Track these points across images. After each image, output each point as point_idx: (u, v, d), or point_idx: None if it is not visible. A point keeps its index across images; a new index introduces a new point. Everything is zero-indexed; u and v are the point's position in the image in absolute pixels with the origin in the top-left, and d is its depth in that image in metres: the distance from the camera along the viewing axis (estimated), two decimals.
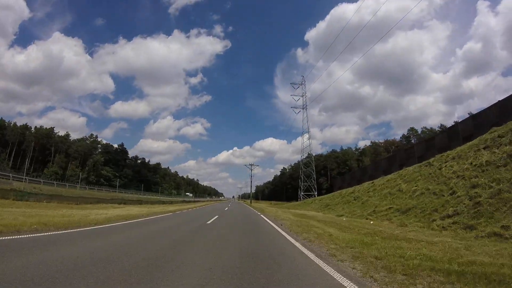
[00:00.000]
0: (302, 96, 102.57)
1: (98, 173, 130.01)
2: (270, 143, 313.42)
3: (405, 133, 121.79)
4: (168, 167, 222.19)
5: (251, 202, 78.08)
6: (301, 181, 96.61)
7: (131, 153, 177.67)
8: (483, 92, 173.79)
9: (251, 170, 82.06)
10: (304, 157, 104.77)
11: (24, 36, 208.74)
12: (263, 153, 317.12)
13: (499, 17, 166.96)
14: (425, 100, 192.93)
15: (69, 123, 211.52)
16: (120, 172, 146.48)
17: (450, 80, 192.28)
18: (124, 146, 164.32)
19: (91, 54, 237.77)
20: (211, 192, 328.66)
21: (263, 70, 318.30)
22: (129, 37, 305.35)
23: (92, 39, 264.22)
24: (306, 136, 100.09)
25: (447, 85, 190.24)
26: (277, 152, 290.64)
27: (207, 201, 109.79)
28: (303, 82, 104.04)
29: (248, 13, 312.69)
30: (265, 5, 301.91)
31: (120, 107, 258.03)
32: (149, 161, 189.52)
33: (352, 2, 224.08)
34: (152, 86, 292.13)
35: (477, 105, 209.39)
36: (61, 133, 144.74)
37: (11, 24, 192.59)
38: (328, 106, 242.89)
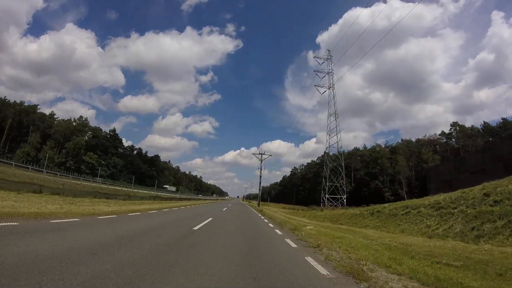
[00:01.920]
0: (328, 73, 78.51)
1: (79, 159, 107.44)
2: (277, 145, 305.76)
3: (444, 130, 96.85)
4: (169, 161, 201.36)
5: (259, 205, 54.66)
6: (326, 181, 72.45)
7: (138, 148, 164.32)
8: (493, 104, 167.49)
9: (261, 160, 58.72)
10: (327, 152, 79.71)
11: (37, 26, 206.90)
12: (269, 157, 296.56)
13: None
14: (434, 109, 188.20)
15: (78, 115, 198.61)
16: (108, 160, 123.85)
17: (461, 90, 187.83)
18: (116, 132, 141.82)
19: (103, 47, 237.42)
20: (215, 191, 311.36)
21: (273, 72, 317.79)
22: (141, 32, 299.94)
23: (105, 32, 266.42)
24: (331, 126, 74.71)
25: (458, 95, 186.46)
26: (284, 155, 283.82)
27: (203, 199, 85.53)
28: (329, 57, 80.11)
29: (261, 13, 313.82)
30: (278, 7, 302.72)
31: (129, 102, 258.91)
32: (146, 152, 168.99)
33: (366, 6, 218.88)
34: (162, 82, 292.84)
35: (487, 117, 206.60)
36: (47, 111, 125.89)
37: (24, 13, 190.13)
38: (337, 110, 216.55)
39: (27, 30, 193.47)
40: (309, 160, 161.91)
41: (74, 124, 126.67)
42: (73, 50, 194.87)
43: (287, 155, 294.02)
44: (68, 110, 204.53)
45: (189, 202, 51.27)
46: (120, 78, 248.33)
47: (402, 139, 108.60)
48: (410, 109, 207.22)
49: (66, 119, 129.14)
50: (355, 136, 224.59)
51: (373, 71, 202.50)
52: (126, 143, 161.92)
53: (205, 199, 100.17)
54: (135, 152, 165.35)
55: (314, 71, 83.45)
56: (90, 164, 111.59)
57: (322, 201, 75.53)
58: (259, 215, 26.54)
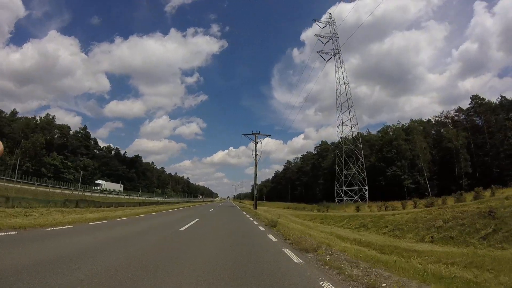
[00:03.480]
0: (332, 38, 62.22)
1: (39, 160, 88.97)
2: (265, 143, 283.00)
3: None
4: (152, 162, 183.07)
5: (255, 206, 36.74)
6: (341, 170, 56.12)
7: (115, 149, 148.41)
8: (478, 93, 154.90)
9: (256, 143, 41.49)
10: (340, 132, 63.47)
11: (20, 35, 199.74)
12: (258, 153, 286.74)
13: (496, 18, 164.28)
14: (420, 100, 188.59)
15: (64, 122, 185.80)
16: (77, 162, 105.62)
17: (446, 81, 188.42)
18: (88, 130, 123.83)
19: (87, 53, 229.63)
20: (204, 192, 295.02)
21: (259, 71, 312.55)
22: (125, 36, 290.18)
23: (88, 38, 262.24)
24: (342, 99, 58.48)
25: (443, 85, 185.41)
26: (273, 152, 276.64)
27: (183, 202, 68.11)
28: (331, 20, 64.06)
29: (245, 12, 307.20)
30: (261, 5, 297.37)
31: (115, 107, 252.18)
32: (125, 152, 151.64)
33: (349, 1, 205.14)
34: (148, 85, 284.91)
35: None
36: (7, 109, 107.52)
37: (6, 22, 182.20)
38: (324, 106, 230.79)
39: (9, 39, 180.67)
40: (304, 152, 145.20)
41: (37, 121, 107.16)
42: (57, 58, 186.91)
43: (276, 152, 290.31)
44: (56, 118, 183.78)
45: (155, 207, 34.83)
46: (105, 84, 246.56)
47: (411, 120, 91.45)
48: (397, 101, 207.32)
49: (31, 117, 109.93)
50: (343, 130, 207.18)
51: (358, 65, 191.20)
52: (102, 143, 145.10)
53: (187, 202, 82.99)
54: (112, 153, 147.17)
55: (315, 35, 67.95)
56: (52, 166, 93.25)
57: (337, 195, 59.12)
58: (272, 238, 9.60)
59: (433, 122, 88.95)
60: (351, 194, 58.83)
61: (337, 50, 65.37)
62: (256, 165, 40.34)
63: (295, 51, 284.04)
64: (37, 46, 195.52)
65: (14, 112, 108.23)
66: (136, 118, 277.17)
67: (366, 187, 58.55)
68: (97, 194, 48.30)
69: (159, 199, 70.18)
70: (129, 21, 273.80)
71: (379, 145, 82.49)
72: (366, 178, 59.20)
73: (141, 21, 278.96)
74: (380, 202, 49.11)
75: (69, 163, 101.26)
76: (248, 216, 22.02)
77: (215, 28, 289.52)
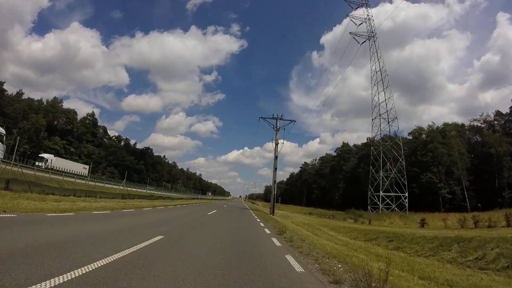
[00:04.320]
0: (365, 20, 52.70)
1: (38, 143, 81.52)
2: (280, 145, 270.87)
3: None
4: (164, 156, 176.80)
5: (273, 212, 27.02)
6: (379, 171, 46.41)
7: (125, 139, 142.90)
8: (499, 106, 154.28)
9: (277, 129, 31.83)
10: (376, 126, 53.46)
11: (42, 25, 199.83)
12: (273, 155, 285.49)
13: None
14: (439, 110, 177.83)
15: (83, 114, 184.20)
16: (81, 148, 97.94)
17: (466, 92, 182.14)
18: (96, 117, 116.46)
19: (107, 46, 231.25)
20: (216, 190, 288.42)
21: (277, 72, 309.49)
22: (146, 31, 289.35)
23: (110, 31, 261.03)
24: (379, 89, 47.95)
25: (463, 96, 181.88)
26: (288, 155, 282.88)
27: (186, 199, 58.49)
28: (365, 1, 54.32)
29: (266, 14, 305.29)
30: (282, 7, 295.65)
31: (133, 101, 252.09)
32: (135, 143, 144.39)
33: (371, 7, 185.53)
34: (166, 81, 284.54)
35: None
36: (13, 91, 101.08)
37: (30, 12, 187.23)
38: (341, 111, 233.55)
39: (32, 28, 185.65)
40: (320, 156, 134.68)
41: (42, 104, 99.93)
42: (78, 49, 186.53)
43: (291, 155, 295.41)
44: (73, 108, 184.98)
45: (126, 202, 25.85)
46: (124, 77, 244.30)
47: (444, 123, 79.44)
48: (415, 110, 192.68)
49: (37, 99, 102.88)
50: (359, 137, 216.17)
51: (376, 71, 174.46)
52: (113, 133, 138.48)
53: (193, 198, 73.98)
54: (122, 143, 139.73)
55: (347, 16, 57.75)
56: (53, 150, 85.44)
57: (370, 201, 49.03)
58: None
59: (467, 126, 77.49)
60: (388, 201, 48.67)
61: (372, 33, 55.43)
62: (276, 157, 30.72)
63: (314, 54, 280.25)
64: (59, 36, 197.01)
65: (19, 93, 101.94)
66: (153, 113, 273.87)
67: (406, 194, 48.27)
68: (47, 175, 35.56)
69: (155, 192, 60.98)
70: (150, 16, 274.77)
71: (412, 147, 71.37)
72: (406, 183, 48.86)
73: (162, 17, 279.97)
74: (420, 213, 39.18)
75: (72, 149, 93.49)
76: (265, 228, 12.44)
77: (235, 27, 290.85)
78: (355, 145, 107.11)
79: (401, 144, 51.39)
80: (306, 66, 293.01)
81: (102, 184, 44.84)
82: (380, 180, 49.12)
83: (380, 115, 52.27)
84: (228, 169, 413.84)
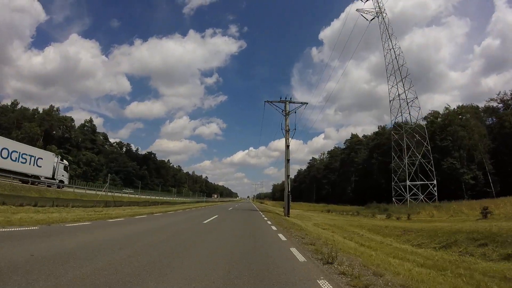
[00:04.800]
0: None
1: None
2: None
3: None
4: (168, 160, 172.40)
5: (287, 212, 21.97)
6: (403, 159, 41.25)
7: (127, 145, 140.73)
8: (502, 90, 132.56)
9: (286, 113, 26.59)
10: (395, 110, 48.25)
11: (41, 38, 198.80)
12: (278, 153, 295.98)
13: None
14: (442, 98, 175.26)
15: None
16: (79, 156, 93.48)
17: (469, 78, 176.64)
18: (94, 123, 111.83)
19: (107, 56, 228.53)
20: (223, 192, 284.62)
21: (278, 70, 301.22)
22: (144, 38, 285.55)
23: (109, 41, 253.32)
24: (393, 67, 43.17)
25: (465, 83, 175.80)
26: (293, 152, 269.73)
27: (189, 203, 53.14)
28: None
29: (263, 13, 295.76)
30: (279, 5, 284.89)
31: (135, 108, 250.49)
32: (137, 149, 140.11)
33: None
34: (167, 86, 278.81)
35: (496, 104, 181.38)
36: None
37: (28, 27, 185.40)
38: (344, 105, 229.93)
39: (31, 43, 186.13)
40: (326, 151, 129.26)
41: (38, 112, 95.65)
42: (78, 61, 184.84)
43: (296, 152, 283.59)
44: (76, 119, 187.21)
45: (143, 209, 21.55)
46: (125, 85, 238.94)
47: (459, 106, 73.66)
48: (418, 99, 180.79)
49: (32, 108, 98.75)
50: (364, 130, 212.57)
51: (378, 63, 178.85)
52: (114, 140, 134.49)
53: (197, 202, 69.21)
54: (124, 149, 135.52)
55: None
56: None
57: (394, 193, 43.78)
58: None
59: (481, 108, 71.82)
60: (415, 190, 43.40)
61: (380, 10, 50.20)
62: (288, 147, 25.62)
63: (314, 50, 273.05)
64: (58, 49, 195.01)
65: (15, 103, 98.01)
66: (157, 119, 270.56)
67: (435, 182, 42.93)
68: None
69: (150, 197, 55.61)
70: (148, 23, 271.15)
71: (429, 133, 65.76)
72: (433, 169, 43.50)
73: (160, 23, 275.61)
74: (451, 202, 34.03)
75: (70, 157, 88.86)
76: (291, 248, 7.26)
77: (233, 28, 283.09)
78: (364, 136, 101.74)
79: (424, 125, 45.98)
80: (306, 63, 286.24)
81: (83, 191, 39.51)
82: (405, 167, 43.71)
83: (399, 95, 46.80)
84: (234, 170, 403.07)
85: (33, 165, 31.21)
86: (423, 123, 49.92)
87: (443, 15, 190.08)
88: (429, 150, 44.53)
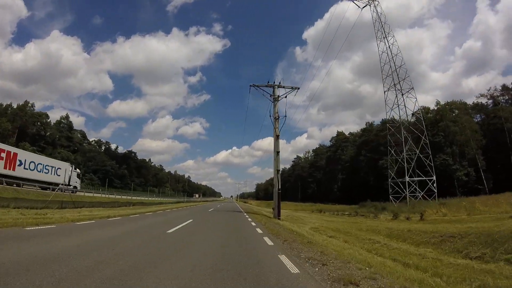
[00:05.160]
0: None
1: None
2: (269, 142, 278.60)
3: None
4: (150, 159, 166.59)
5: (278, 214, 18.34)
6: (401, 152, 38.50)
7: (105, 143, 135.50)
8: (483, 91, 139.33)
9: (275, 98, 22.83)
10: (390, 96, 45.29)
11: (22, 35, 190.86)
12: (261, 153, 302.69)
13: (499, 15, 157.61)
14: (424, 99, 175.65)
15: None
16: (55, 155, 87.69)
17: (450, 79, 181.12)
18: (70, 120, 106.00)
19: (89, 53, 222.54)
20: (207, 192, 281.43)
21: (262, 70, 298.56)
22: (127, 35, 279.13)
23: (91, 38, 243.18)
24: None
25: (447, 83, 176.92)
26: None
27: (158, 205, 48.27)
28: None
29: (247, 12, 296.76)
30: (263, 4, 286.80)
31: (118, 106, 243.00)
32: (117, 147, 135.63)
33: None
34: (150, 85, 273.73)
35: None
36: None
37: (8, 23, 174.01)
38: (328, 104, 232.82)
39: (11, 39, 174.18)
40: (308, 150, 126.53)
41: (12, 107, 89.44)
42: (59, 58, 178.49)
43: (280, 151, 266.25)
44: (57, 118, 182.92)
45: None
46: (108, 84, 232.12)
47: (447, 101, 71.92)
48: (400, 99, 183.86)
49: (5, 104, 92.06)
50: (347, 129, 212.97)
51: (361, 63, 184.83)
52: (92, 138, 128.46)
53: (178, 202, 65.28)
54: (102, 147, 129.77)
55: None
56: None
57: (391, 190, 40.84)
58: None
59: (469, 105, 70.33)
60: (415, 186, 40.65)
61: None
62: (277, 137, 21.73)
63: (298, 50, 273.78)
64: (39, 46, 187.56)
65: None
66: (139, 118, 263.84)
67: (434, 178, 40.23)
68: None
69: (120, 198, 50.97)
70: (131, 20, 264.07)
71: (418, 129, 63.62)
72: (433, 164, 40.80)
73: (143, 20, 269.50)
74: (446, 199, 31.42)
75: (43, 156, 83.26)
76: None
77: (217, 27, 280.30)
78: (351, 134, 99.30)
79: (421, 118, 43.24)
80: (290, 62, 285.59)
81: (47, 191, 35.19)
82: (404, 162, 40.68)
83: (395, 85, 43.94)
84: (217, 170, 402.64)
85: (54, 174, 37.35)
86: (418, 116, 47.13)
87: (426, 16, 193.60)
88: (428, 144, 41.87)
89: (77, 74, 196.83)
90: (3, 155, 31.97)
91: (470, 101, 74.62)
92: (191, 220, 15.48)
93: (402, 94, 44.29)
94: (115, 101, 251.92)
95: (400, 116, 44.41)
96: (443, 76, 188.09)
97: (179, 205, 45.79)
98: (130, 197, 54.73)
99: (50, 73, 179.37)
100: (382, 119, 51.07)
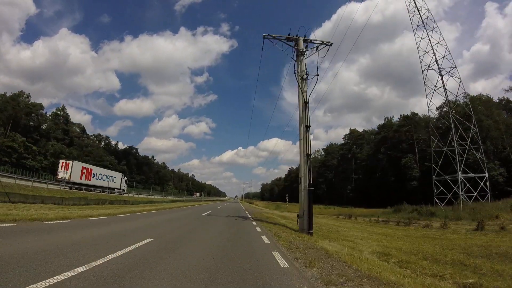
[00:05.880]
0: None
1: None
2: (274, 143, 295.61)
3: None
4: (152, 156, 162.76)
5: (310, 226, 11.33)
6: (452, 142, 30.60)
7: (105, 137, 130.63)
8: (490, 95, 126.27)
9: (301, 53, 15.48)
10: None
11: (31, 32, 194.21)
12: (267, 153, 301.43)
13: (507, 19, 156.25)
14: (433, 101, 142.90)
15: (74, 121, 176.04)
16: (47, 147, 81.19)
17: (457, 83, 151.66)
18: (67, 112, 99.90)
19: (97, 51, 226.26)
20: (211, 191, 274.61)
21: (269, 71, 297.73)
22: (135, 34, 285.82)
23: (99, 36, 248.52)
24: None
25: (454, 87, 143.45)
26: (282, 153, 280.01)
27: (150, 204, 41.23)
28: None
29: (255, 13, 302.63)
30: (271, 5, 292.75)
31: (124, 105, 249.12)
32: (117, 143, 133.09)
33: (360, 1, 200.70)
34: (157, 84, 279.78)
35: None
36: None
37: (17, 20, 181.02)
38: (334, 107, 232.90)
39: (20, 37, 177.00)
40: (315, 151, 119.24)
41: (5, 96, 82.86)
42: (67, 56, 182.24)
43: (285, 152, 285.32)
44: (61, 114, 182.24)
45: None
46: (115, 82, 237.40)
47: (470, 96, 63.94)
48: (407, 102, 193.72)
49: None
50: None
51: (368, 66, 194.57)
52: (91, 132, 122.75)
53: (174, 201, 58.06)
54: (102, 143, 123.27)
55: None
56: (9, 149, 68.91)
57: (434, 189, 33.31)
58: None
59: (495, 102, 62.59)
60: (469, 186, 33.13)
61: None
62: (305, 104, 14.11)
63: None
64: (47, 43, 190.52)
65: None
66: (146, 117, 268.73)
67: (486, 174, 32.73)
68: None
69: (103, 195, 44.65)
70: (139, 19, 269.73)
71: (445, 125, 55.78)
72: (484, 158, 33.25)
73: (151, 19, 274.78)
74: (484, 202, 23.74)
75: (34, 147, 76.53)
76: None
77: (225, 27, 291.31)
78: (364, 131, 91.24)
79: (470, 105, 35.50)
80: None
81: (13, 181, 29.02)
82: (456, 155, 32.82)
83: (437, 61, 36.20)
84: (223, 170, 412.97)
85: (112, 182, 52.44)
86: (466, 100, 39.25)
87: (434, 19, 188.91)
88: (477, 133, 34.24)
89: (85, 72, 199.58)
90: (85, 170, 45.10)
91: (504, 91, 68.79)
92: (149, 240, 7.92)
93: (441, 75, 36.52)
94: (122, 100, 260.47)
95: (447, 98, 36.33)
96: (451, 79, 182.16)
97: (174, 204, 38.47)
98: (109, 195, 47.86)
99: (58, 71, 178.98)
100: (401, 115, 43.07)
